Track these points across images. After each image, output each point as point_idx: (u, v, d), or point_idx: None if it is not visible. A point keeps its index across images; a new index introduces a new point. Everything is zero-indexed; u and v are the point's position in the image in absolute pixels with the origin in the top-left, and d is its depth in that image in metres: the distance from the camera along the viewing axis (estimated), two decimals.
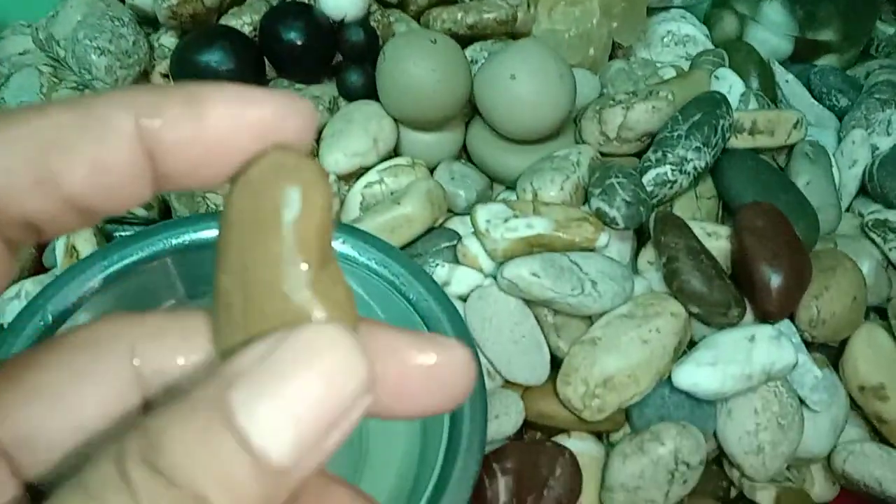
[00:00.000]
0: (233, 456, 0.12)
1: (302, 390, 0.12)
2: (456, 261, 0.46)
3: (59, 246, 0.44)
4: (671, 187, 0.47)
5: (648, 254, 0.46)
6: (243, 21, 0.54)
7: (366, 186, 0.50)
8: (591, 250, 0.45)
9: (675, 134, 0.47)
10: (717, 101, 0.48)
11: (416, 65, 0.49)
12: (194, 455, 0.11)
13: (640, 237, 0.48)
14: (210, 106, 0.13)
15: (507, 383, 0.43)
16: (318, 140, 0.52)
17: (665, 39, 0.66)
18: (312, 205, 0.13)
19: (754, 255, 0.42)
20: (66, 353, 0.14)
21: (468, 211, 0.49)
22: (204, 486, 0.11)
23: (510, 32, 0.60)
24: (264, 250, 0.13)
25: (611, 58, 0.65)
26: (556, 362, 0.43)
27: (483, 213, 0.45)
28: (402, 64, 0.50)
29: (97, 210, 0.13)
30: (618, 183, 0.44)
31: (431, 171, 0.54)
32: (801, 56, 0.67)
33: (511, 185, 0.52)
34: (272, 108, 0.13)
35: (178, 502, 0.11)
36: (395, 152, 0.54)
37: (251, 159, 0.14)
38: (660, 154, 0.47)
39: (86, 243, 0.44)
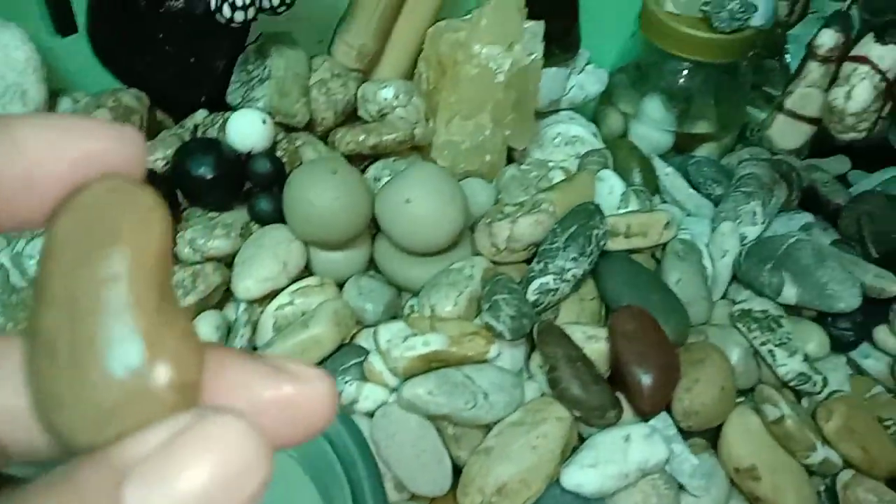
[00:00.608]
0: None
1: (199, 491, 0.11)
2: (364, 377, 0.50)
3: None
4: (554, 294, 0.51)
5: (538, 358, 0.50)
6: (156, 157, 0.58)
7: (277, 309, 0.54)
8: (485, 361, 0.49)
9: (555, 246, 0.52)
10: (591, 213, 0.53)
11: (318, 196, 0.53)
12: None
13: (531, 341, 0.52)
14: (23, 133, 0.12)
15: (414, 496, 0.46)
16: (230, 265, 0.55)
17: (556, 140, 0.72)
18: (150, 231, 0.12)
19: (626, 357, 0.46)
20: None
21: (377, 323, 0.53)
22: None
23: (412, 145, 0.65)
24: (95, 284, 0.12)
25: (509, 158, 0.71)
26: (458, 471, 0.46)
27: (384, 332, 0.49)
28: (305, 194, 0.54)
29: None
30: (502, 299, 0.48)
31: (342, 285, 0.57)
32: (682, 147, 0.74)
33: (417, 293, 0.56)
34: (96, 138, 0.13)
35: None
36: (307, 269, 0.58)
37: (78, 188, 0.13)
38: (542, 265, 0.52)
39: None
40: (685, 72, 0.70)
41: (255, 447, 0.12)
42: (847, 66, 0.45)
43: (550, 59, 0.68)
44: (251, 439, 0.12)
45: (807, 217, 0.63)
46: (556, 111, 0.74)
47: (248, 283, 0.53)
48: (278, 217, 0.57)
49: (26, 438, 0.13)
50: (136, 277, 0.12)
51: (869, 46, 0.45)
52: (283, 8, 0.57)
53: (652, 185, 0.68)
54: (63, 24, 0.56)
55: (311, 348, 0.50)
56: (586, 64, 0.74)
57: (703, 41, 0.66)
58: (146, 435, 0.12)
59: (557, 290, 0.51)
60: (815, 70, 0.48)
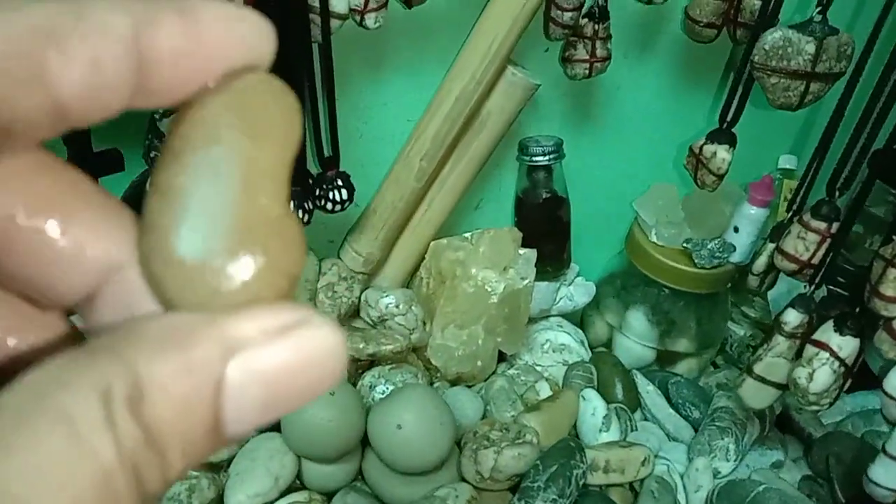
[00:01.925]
0: (205, 427, 0.12)
1: (292, 389, 0.12)
2: None
3: None
4: None
5: None
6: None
7: None
8: None
9: (536, 485, 0.54)
10: (572, 451, 0.56)
11: (315, 415, 0.56)
12: (177, 421, 0.12)
13: None
14: (204, 18, 0.13)
15: None
16: (226, 471, 0.58)
17: (544, 347, 0.76)
18: (294, 132, 0.14)
19: None
20: None
21: None
22: (174, 450, 0.12)
23: (408, 349, 0.69)
24: (240, 160, 0.13)
25: (500, 357, 0.74)
26: None
27: None
28: (302, 413, 0.57)
29: (76, 115, 0.12)
30: None
31: (331, 496, 0.59)
32: (664, 360, 0.78)
33: None
34: (252, 25, 0.13)
35: (150, 460, 0.11)
36: (298, 478, 0.60)
37: (228, 78, 0.13)
38: (523, 503, 0.54)
39: None
40: (667, 294, 0.74)
41: (339, 360, 0.13)
42: (810, 349, 0.50)
43: (543, 275, 0.73)
44: (341, 350, 0.13)
45: (778, 454, 0.66)
46: (546, 318, 0.78)
47: (240, 498, 0.55)
48: (274, 426, 0.60)
49: (125, 295, 0.13)
50: (277, 167, 0.13)
51: (829, 334, 0.49)
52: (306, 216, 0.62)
53: (633, 402, 0.71)
54: None
55: None
56: (576, 276, 0.79)
57: (685, 273, 0.71)
58: (254, 317, 0.12)
59: None
60: (781, 343, 0.52)
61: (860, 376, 0.74)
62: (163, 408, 0.11)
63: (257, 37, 0.13)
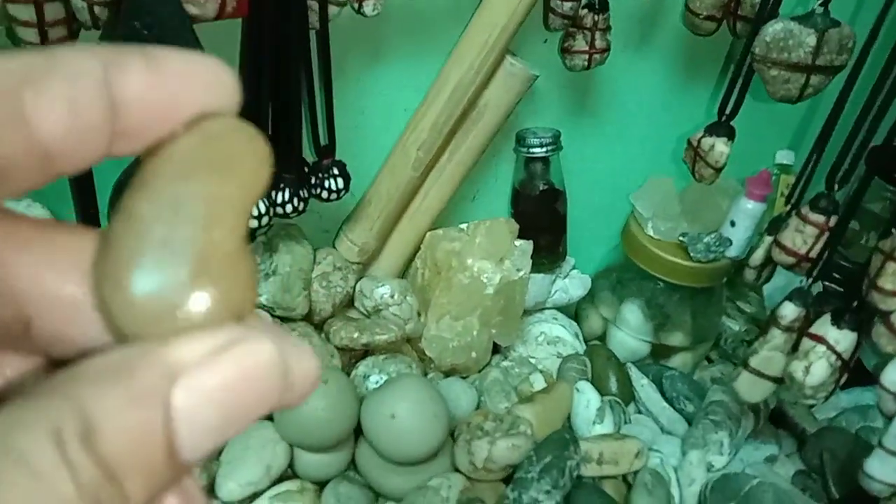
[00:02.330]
0: (161, 454, 0.12)
1: (240, 406, 0.13)
2: None
3: None
4: None
5: None
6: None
7: None
8: None
9: (529, 476, 0.54)
10: (566, 442, 0.56)
11: (307, 405, 0.56)
12: (131, 452, 0.12)
13: None
14: (169, 65, 0.14)
15: None
16: (217, 459, 0.57)
17: (539, 339, 0.75)
18: (260, 175, 0.14)
19: None
20: None
21: None
22: (133, 481, 0.12)
23: (402, 339, 0.69)
24: (202, 197, 0.13)
25: (494, 349, 0.74)
26: None
27: None
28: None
29: (61, 159, 0.13)
30: None
31: (323, 485, 0.59)
32: (658, 353, 0.78)
33: (396, 500, 0.58)
34: (215, 72, 0.14)
35: (110, 493, 0.12)
36: (290, 468, 0.59)
37: (192, 122, 0.14)
38: (517, 493, 0.54)
39: None
40: (663, 287, 0.74)
41: (282, 372, 0.13)
42: (807, 343, 0.50)
43: (539, 267, 0.72)
44: (281, 361, 0.13)
45: (772, 448, 0.66)
46: (541, 310, 0.78)
47: (231, 486, 0.55)
48: (266, 416, 0.59)
49: (80, 327, 0.14)
50: (239, 205, 0.14)
51: (826, 328, 0.49)
52: (295, 214, 0.62)
53: (627, 395, 0.71)
54: (87, 218, 0.60)
55: None
56: (571, 269, 0.78)
57: (681, 267, 0.71)
58: (193, 341, 0.13)
59: None
60: (778, 336, 0.52)
61: (854, 373, 0.74)
62: (115, 441, 0.12)
63: (220, 84, 0.14)
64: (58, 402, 0.12)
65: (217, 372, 0.13)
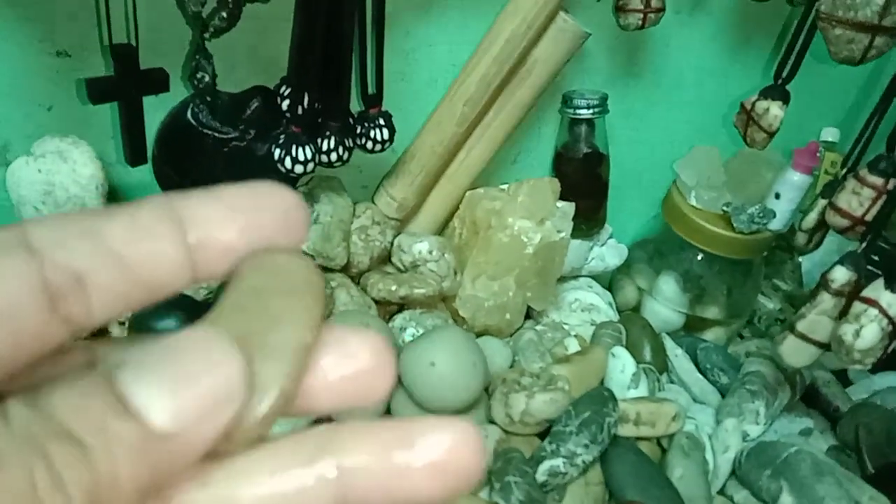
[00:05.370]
0: (110, 411, 0.12)
1: (182, 373, 0.13)
2: None
3: None
4: (563, 478, 0.53)
5: None
6: (199, 285, 0.61)
7: None
8: None
9: (568, 429, 0.54)
10: (605, 399, 0.56)
11: None
12: (74, 406, 0.12)
13: None
14: (190, 211, 0.15)
15: None
16: None
17: (573, 305, 0.75)
18: (319, 304, 0.16)
19: None
20: None
21: None
22: (78, 428, 0.12)
23: (439, 295, 0.68)
24: (274, 322, 0.15)
25: (527, 314, 0.74)
26: None
27: None
28: None
29: (158, 290, 0.15)
30: (514, 482, 0.50)
31: None
32: (692, 327, 0.77)
33: None
34: (261, 214, 0.16)
35: (50, 432, 0.12)
36: None
37: (254, 254, 0.16)
38: (554, 446, 0.54)
39: None
40: (701, 260, 0.74)
41: (229, 353, 0.14)
42: (858, 306, 0.49)
43: (577, 232, 0.72)
44: (228, 350, 0.14)
45: (807, 422, 0.66)
46: (576, 277, 0.78)
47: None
48: None
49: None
50: (305, 327, 0.15)
51: (879, 291, 0.48)
52: (339, 163, 0.62)
53: (661, 364, 0.71)
54: (135, 156, 0.60)
55: None
56: (608, 237, 0.78)
57: (722, 238, 0.70)
58: (142, 348, 0.14)
59: (566, 473, 0.53)
60: (827, 300, 0.51)
61: (889, 356, 0.73)
62: (58, 400, 0.13)
63: (294, 221, 0.16)
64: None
65: (155, 357, 0.14)
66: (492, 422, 0.59)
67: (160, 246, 0.14)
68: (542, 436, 0.57)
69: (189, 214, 0.15)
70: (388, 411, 0.61)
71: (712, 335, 0.77)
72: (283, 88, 0.58)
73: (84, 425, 0.12)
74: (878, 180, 0.49)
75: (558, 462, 0.53)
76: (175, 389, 0.13)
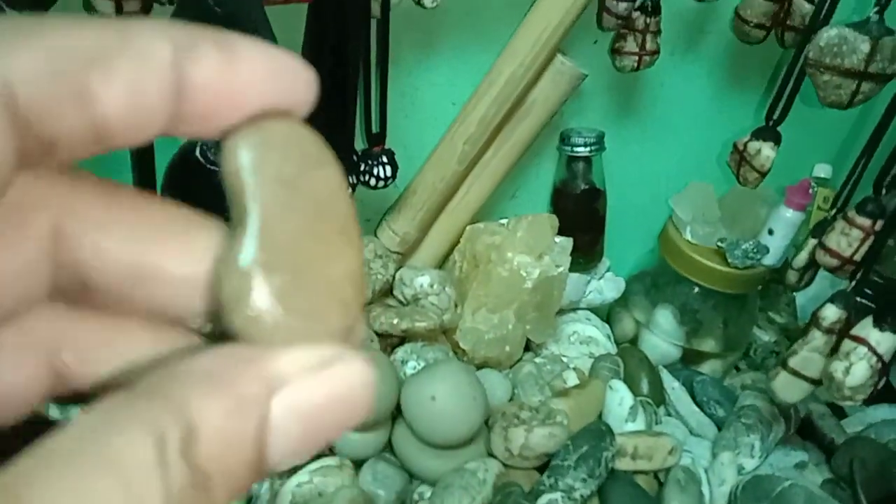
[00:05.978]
0: (249, 463, 0.12)
1: (326, 423, 0.13)
2: None
3: None
4: None
5: None
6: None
7: (297, 486, 0.56)
8: None
9: (566, 464, 0.55)
10: (602, 434, 0.57)
11: None
12: (225, 459, 0.12)
13: None
14: (243, 54, 0.13)
15: None
16: None
17: (572, 338, 0.76)
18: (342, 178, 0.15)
19: None
20: None
21: None
22: (220, 487, 0.12)
23: (440, 327, 0.70)
24: (310, 201, 0.14)
25: (526, 346, 0.75)
26: None
27: None
28: None
29: (116, 137, 0.13)
30: None
31: (359, 464, 0.60)
32: (689, 359, 0.78)
33: (430, 483, 0.59)
34: (292, 68, 0.14)
35: (196, 500, 0.12)
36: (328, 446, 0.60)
37: (259, 118, 0.14)
38: (553, 480, 0.55)
39: None
40: (697, 293, 0.75)
41: (371, 391, 0.14)
42: (848, 344, 0.50)
43: (575, 266, 0.73)
44: (371, 384, 0.14)
45: (802, 455, 0.67)
46: (574, 309, 0.79)
47: None
48: None
49: (192, 306, 0.14)
50: (343, 207, 0.14)
51: (868, 330, 0.50)
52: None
53: (658, 397, 0.72)
54: (144, 188, 0.62)
55: None
56: (606, 271, 0.79)
57: (717, 272, 0.71)
58: (293, 354, 0.13)
59: None
60: (818, 338, 0.53)
61: (882, 390, 0.74)
62: (213, 448, 0.12)
63: (296, 81, 0.14)
64: (161, 405, 0.12)
65: (314, 389, 0.13)
66: (492, 455, 0.60)
67: (148, 80, 0.13)
68: (542, 469, 0.58)
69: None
70: (389, 444, 0.62)
71: (709, 368, 0.78)
72: None
73: (224, 484, 0.12)
74: (865, 221, 0.51)
75: (556, 496, 0.54)
76: (308, 450, 0.13)
